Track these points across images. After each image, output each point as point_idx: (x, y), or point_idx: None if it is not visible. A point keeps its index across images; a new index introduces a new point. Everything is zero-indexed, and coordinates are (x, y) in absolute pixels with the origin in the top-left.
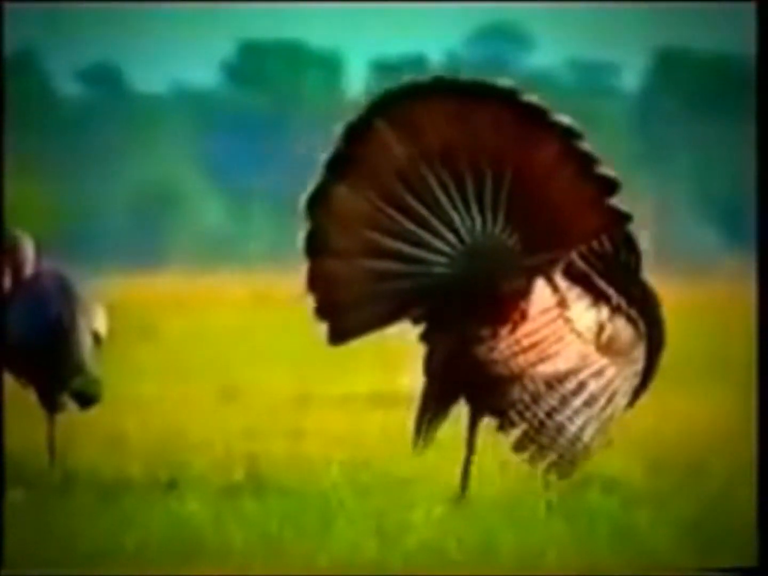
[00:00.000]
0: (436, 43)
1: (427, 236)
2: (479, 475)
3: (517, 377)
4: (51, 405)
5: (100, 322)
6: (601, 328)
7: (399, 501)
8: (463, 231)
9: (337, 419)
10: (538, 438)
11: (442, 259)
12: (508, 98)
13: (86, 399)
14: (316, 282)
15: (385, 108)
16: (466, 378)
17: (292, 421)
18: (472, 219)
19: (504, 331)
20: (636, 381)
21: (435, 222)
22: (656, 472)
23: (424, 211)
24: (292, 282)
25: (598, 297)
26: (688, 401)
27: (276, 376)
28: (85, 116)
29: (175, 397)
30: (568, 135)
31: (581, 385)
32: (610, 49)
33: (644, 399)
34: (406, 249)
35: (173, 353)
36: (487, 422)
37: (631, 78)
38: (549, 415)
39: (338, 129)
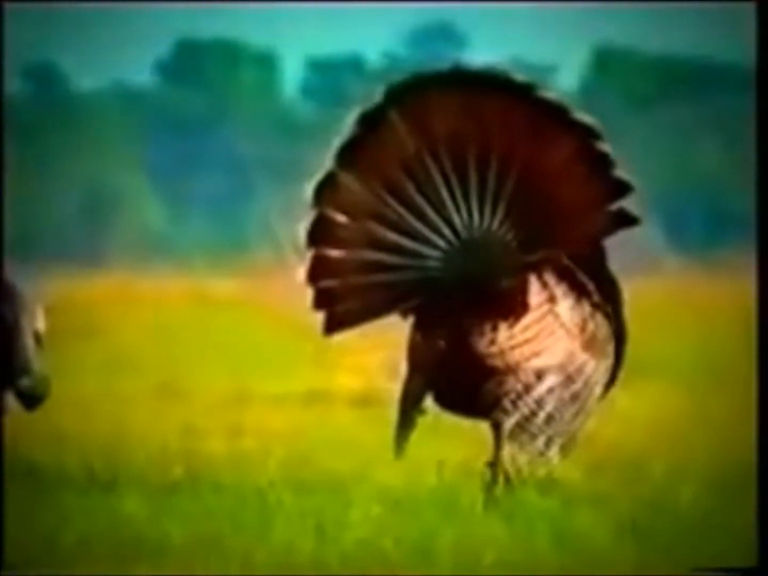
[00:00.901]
0: (373, 42)
1: (424, 230)
2: (417, 474)
3: (511, 370)
4: None
5: (40, 321)
6: (584, 323)
7: (337, 499)
8: (460, 226)
9: (276, 417)
10: (529, 426)
11: (437, 254)
12: (525, 93)
13: (34, 399)
14: (316, 271)
15: (400, 97)
16: (459, 372)
17: (231, 418)
18: (471, 214)
19: (501, 325)
20: (607, 376)
21: (434, 216)
22: (596, 472)
23: (424, 205)
24: (230, 282)
25: (581, 293)
26: (628, 401)
27: (215, 374)
28: (21, 115)
29: (115, 394)
30: (587, 135)
31: (568, 378)
32: (549, 48)
33: None
34: (404, 242)
35: (113, 351)
36: (422, 420)
37: (571, 77)
38: (539, 404)
39: (352, 116)
